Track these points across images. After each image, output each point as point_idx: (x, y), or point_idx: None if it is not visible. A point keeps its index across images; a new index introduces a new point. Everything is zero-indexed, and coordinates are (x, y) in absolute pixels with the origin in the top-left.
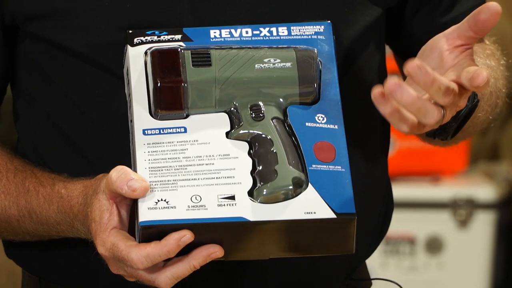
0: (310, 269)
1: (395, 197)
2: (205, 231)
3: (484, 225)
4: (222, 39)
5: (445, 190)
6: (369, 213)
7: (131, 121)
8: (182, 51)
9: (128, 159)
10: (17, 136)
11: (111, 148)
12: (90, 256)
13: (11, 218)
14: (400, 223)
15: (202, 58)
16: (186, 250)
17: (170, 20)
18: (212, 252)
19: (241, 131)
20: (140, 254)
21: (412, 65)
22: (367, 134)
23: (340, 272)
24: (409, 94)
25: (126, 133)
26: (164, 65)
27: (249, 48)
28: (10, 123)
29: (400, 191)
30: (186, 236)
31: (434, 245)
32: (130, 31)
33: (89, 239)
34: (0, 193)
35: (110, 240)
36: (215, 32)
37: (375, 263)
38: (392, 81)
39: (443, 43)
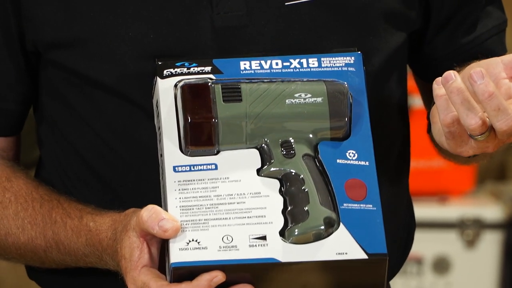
0: None
1: None
2: (236, 271)
3: (491, 245)
4: (252, 71)
5: (452, 210)
6: (390, 236)
7: (161, 155)
8: (213, 85)
9: (153, 189)
10: (32, 155)
11: (135, 177)
12: (111, 281)
13: (38, 248)
14: None
15: (232, 93)
16: None
17: (193, 50)
18: None
19: (272, 169)
20: None
21: (477, 70)
22: (387, 158)
23: None
24: (490, 84)
25: (150, 163)
26: (194, 100)
27: (280, 81)
28: (26, 143)
29: None
30: (218, 277)
31: (442, 265)
32: (160, 62)
33: (118, 271)
34: (26, 223)
35: (141, 278)
36: (245, 64)
37: None
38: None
39: (500, 70)
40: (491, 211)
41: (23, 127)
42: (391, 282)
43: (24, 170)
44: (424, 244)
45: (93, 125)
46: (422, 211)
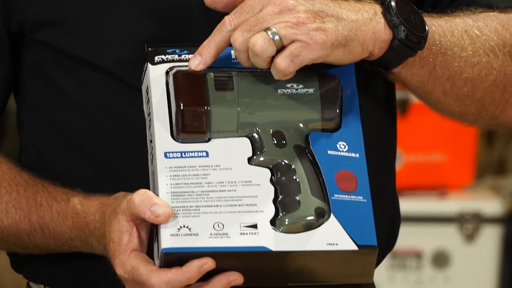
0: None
1: (401, 211)
2: (226, 258)
3: (490, 239)
4: None
5: (451, 204)
6: None
7: (150, 141)
8: (205, 73)
9: (139, 168)
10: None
11: (122, 156)
12: (93, 265)
13: (21, 232)
14: (407, 237)
15: (225, 82)
16: (205, 275)
17: (182, 32)
18: (233, 280)
19: (263, 158)
20: (160, 279)
21: None
22: (374, 152)
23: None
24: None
25: (137, 142)
26: (187, 88)
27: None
28: (15, 138)
29: (406, 205)
30: (208, 264)
31: (441, 259)
32: (150, 49)
33: (103, 255)
34: (10, 206)
35: (130, 262)
36: None
37: (381, 277)
38: None
39: None
40: (491, 205)
41: (3, 111)
42: (390, 276)
43: (6, 156)
44: (423, 238)
45: (79, 104)
46: (421, 205)
